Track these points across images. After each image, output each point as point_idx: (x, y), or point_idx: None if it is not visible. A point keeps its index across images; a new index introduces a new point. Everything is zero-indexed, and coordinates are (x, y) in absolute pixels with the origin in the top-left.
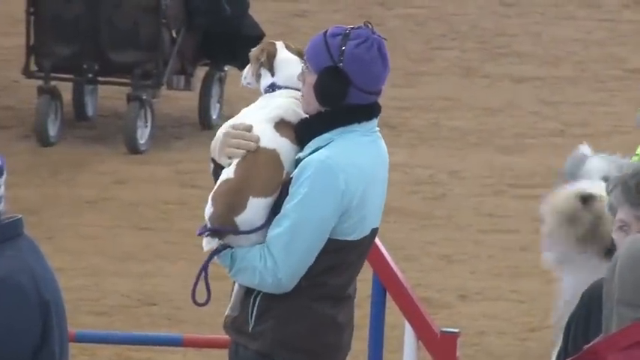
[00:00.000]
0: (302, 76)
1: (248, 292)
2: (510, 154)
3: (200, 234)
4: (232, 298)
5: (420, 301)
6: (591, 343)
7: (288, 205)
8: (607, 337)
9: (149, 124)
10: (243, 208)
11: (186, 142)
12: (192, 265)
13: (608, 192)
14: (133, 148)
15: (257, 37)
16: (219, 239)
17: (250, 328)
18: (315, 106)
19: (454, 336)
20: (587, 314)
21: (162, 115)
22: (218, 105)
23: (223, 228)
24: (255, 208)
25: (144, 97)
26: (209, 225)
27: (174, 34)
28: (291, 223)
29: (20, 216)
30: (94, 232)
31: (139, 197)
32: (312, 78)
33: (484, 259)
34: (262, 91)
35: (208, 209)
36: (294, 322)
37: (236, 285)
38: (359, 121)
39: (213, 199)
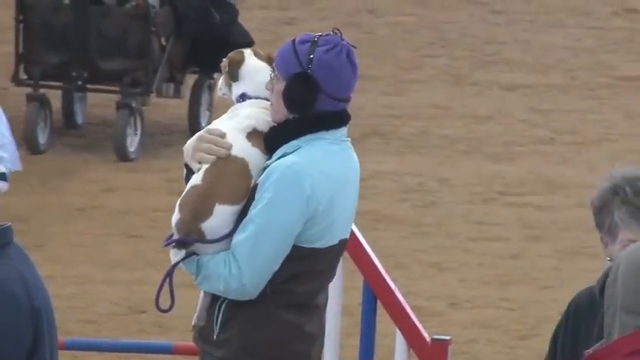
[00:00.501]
0: (270, 84)
1: (213, 300)
2: (500, 161)
3: (166, 245)
4: (198, 308)
5: (411, 309)
6: (592, 350)
7: (253, 211)
8: (609, 344)
9: (138, 131)
10: (209, 214)
11: (176, 150)
12: (181, 273)
13: (607, 211)
14: (123, 156)
15: (246, 44)
16: (186, 249)
17: (215, 336)
18: (283, 114)
19: (445, 343)
20: (576, 323)
21: (151, 123)
22: (207, 112)
23: (189, 239)
24: (222, 215)
25: (133, 105)
26: (175, 234)
27: (163, 42)
28: (255, 227)
29: (9, 224)
30: (83, 240)
31: (129, 205)
32: (280, 85)
33: (474, 266)
34: (234, 100)
35: (175, 216)
36: (260, 329)
37: (201, 294)
38: (327, 129)
39: (180, 206)
